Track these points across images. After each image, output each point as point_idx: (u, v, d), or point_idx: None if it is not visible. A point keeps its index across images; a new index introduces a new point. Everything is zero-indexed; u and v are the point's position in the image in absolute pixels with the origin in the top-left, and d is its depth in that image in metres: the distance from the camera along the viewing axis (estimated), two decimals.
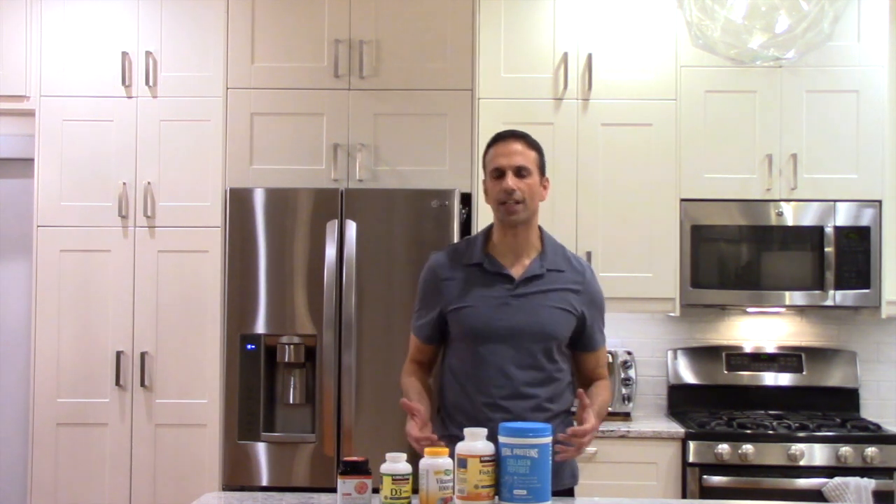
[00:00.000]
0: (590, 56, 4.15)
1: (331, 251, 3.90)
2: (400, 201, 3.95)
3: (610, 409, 4.11)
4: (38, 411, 4.01)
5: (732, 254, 4.22)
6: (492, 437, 2.30)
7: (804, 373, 4.35)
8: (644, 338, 4.45)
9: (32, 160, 4.07)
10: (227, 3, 4.08)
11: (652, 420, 4.19)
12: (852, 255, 4.09)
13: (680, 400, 4.37)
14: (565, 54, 4.16)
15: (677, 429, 3.92)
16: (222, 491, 3.82)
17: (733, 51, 3.07)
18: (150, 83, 4.06)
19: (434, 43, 4.08)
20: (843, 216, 4.11)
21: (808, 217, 4.14)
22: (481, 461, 2.24)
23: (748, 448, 3.79)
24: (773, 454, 3.80)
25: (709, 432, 3.87)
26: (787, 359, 4.37)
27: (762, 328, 4.46)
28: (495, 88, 4.15)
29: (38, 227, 4.04)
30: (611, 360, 4.18)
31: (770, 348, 4.41)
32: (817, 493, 3.72)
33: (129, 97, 4.06)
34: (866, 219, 4.11)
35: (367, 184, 4.01)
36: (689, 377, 4.38)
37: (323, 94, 4.07)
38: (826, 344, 4.43)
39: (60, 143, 4.05)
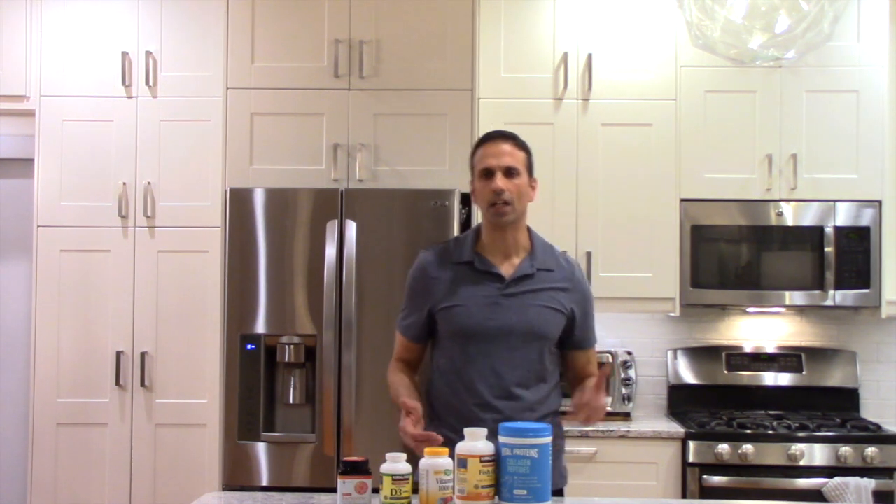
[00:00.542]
0: (590, 56, 4.15)
1: (331, 251, 3.90)
2: (400, 201, 3.95)
3: (610, 409, 4.13)
4: (38, 411, 4.01)
5: (732, 254, 4.22)
6: (490, 436, 2.30)
7: (804, 373, 4.35)
8: (644, 338, 4.45)
9: (32, 160, 4.07)
10: (227, 3, 4.08)
11: (652, 420, 4.19)
12: (852, 255, 4.09)
13: (680, 400, 4.37)
14: (565, 54, 4.16)
15: (677, 429, 3.92)
16: (222, 491, 3.82)
17: (733, 51, 3.07)
18: (150, 83, 4.06)
19: (434, 43, 4.08)
20: (843, 216, 4.11)
21: (808, 217, 4.14)
22: (481, 461, 2.24)
23: (748, 448, 3.79)
24: (773, 454, 3.80)
25: (709, 432, 3.87)
26: (786, 359, 4.37)
27: (762, 328, 4.46)
28: (495, 88, 4.15)
29: (38, 227, 4.04)
30: (611, 360, 4.19)
31: (770, 348, 4.41)
32: (817, 493, 3.72)
33: (129, 97, 4.06)
34: (866, 219, 4.11)
35: (367, 184, 4.01)
36: (689, 377, 4.38)
37: (323, 94, 4.07)
38: (826, 344, 4.43)
39: (60, 143, 4.05)
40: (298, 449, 3.91)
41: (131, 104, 4.06)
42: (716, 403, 4.32)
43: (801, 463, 3.78)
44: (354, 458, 2.29)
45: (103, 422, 4.00)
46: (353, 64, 4.06)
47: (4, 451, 4.46)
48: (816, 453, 3.79)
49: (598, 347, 4.14)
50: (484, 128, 4.09)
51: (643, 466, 3.86)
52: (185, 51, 4.06)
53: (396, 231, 3.93)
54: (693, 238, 4.14)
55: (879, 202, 4.11)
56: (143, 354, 4.00)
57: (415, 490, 2.27)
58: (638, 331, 4.44)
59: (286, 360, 3.92)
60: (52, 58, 4.07)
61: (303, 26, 4.09)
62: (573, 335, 2.69)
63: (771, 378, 4.37)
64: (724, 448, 3.80)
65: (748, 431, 3.87)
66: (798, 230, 4.15)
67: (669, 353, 4.42)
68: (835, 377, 4.35)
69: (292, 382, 3.94)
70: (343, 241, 3.90)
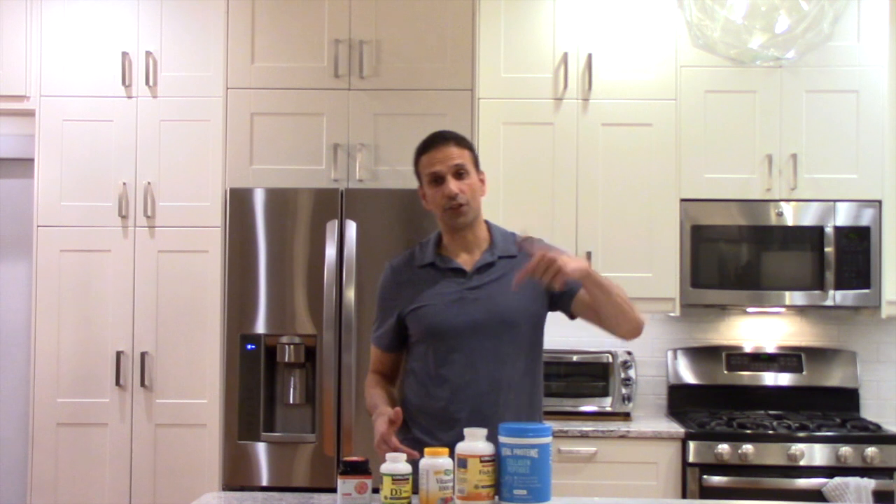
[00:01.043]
0: (590, 56, 4.15)
1: (331, 251, 3.90)
2: (400, 201, 3.94)
3: (609, 408, 4.14)
4: (38, 411, 4.01)
5: (732, 254, 4.23)
6: (462, 437, 2.29)
7: (804, 373, 4.35)
8: (644, 338, 4.36)
9: (32, 160, 4.07)
10: (227, 3, 4.08)
11: (652, 420, 4.19)
12: (852, 255, 4.09)
13: (680, 400, 4.37)
14: (565, 54, 4.16)
15: (677, 429, 3.92)
16: (222, 491, 3.82)
17: (733, 51, 3.08)
18: (150, 83, 4.06)
19: (434, 43, 4.08)
20: (843, 216, 4.11)
21: (808, 217, 4.14)
22: (481, 461, 2.23)
23: (748, 448, 3.79)
24: (773, 454, 3.80)
25: (709, 432, 3.87)
26: (787, 359, 4.37)
27: (762, 328, 4.46)
28: (495, 88, 4.15)
29: (38, 227, 4.04)
30: (611, 360, 4.19)
31: (770, 348, 4.41)
32: (817, 493, 3.72)
33: (129, 97, 4.06)
34: (866, 219, 4.11)
35: (367, 184, 4.01)
36: (689, 377, 4.38)
37: (323, 94, 4.07)
38: (826, 344, 4.43)
39: (60, 143, 4.05)
40: (298, 449, 3.91)
41: (131, 104, 4.06)
42: (716, 403, 4.32)
43: (801, 463, 3.78)
44: (354, 458, 2.29)
45: (103, 422, 4.00)
46: (353, 64, 4.06)
47: (4, 451, 4.46)
48: (816, 453, 3.79)
49: (597, 348, 4.23)
50: (484, 128, 4.11)
51: (643, 466, 3.86)
52: (185, 51, 4.06)
53: (396, 231, 3.93)
54: (693, 238, 4.14)
55: (879, 202, 4.11)
56: (143, 354, 4.00)
57: (415, 490, 2.27)
58: None
59: (286, 360, 3.92)
60: (52, 58, 4.07)
61: (303, 26, 4.09)
62: (563, 293, 2.58)
63: (771, 378, 4.37)
64: (724, 448, 3.80)
65: (748, 431, 3.87)
66: (798, 230, 4.15)
67: (669, 353, 4.42)
68: (835, 377, 4.35)
69: (292, 382, 3.94)
70: (343, 241, 3.90)
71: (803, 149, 4.14)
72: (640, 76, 4.17)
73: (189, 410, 3.98)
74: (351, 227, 3.90)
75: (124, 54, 4.06)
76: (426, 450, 2.27)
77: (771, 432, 3.85)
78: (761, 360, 4.38)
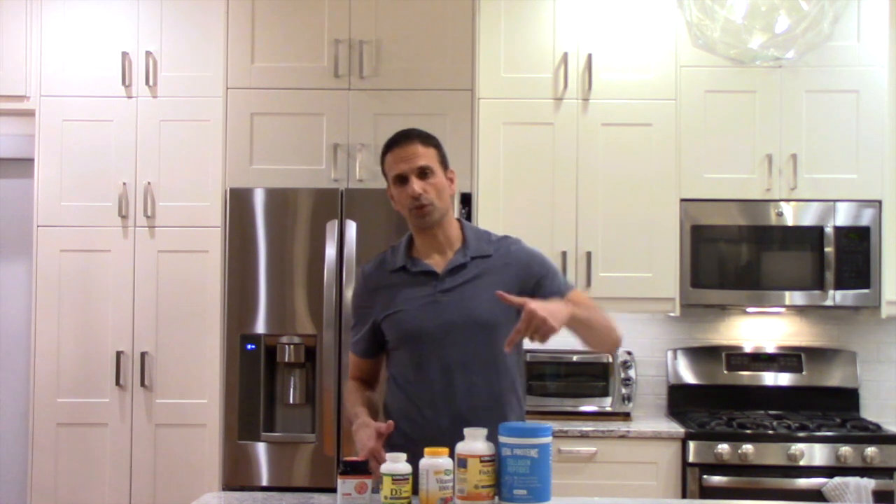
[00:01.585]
0: (590, 56, 4.15)
1: (331, 251, 3.90)
2: None
3: (609, 409, 4.14)
4: (38, 411, 4.01)
5: (732, 254, 4.22)
6: (447, 441, 2.27)
7: (804, 373, 4.35)
8: (644, 338, 4.45)
9: (32, 160, 4.07)
10: (227, 3, 4.08)
11: (652, 420, 4.19)
12: (852, 255, 4.09)
13: (680, 400, 4.37)
14: (565, 54, 4.16)
15: (677, 429, 3.92)
16: (222, 491, 3.82)
17: (733, 51, 3.08)
18: (150, 83, 4.06)
19: (434, 43, 4.08)
20: (843, 216, 4.11)
21: (807, 217, 4.14)
22: (481, 461, 2.23)
23: (748, 448, 3.79)
24: (773, 454, 3.80)
25: (709, 432, 3.87)
26: (786, 359, 4.37)
27: (762, 328, 4.46)
28: (495, 88, 4.15)
29: (38, 227, 4.04)
30: (611, 360, 4.19)
31: (770, 348, 4.41)
32: (817, 493, 3.72)
33: (129, 97, 4.06)
34: (866, 219, 4.11)
35: (367, 184, 4.01)
36: (689, 377, 4.38)
37: (323, 94, 4.07)
38: (826, 344, 4.43)
39: (60, 143, 4.05)
40: (298, 449, 3.92)
41: (131, 104, 4.06)
42: (716, 403, 4.32)
43: (801, 463, 3.78)
44: (354, 458, 2.29)
45: (103, 422, 4.00)
46: (353, 64, 4.06)
47: (4, 451, 4.46)
48: (816, 453, 3.79)
49: None
50: (484, 128, 4.11)
51: (643, 466, 3.86)
52: (185, 51, 4.06)
53: (396, 231, 3.92)
54: (693, 238, 4.14)
55: (879, 202, 4.11)
56: (143, 354, 4.00)
57: (415, 490, 2.27)
58: (638, 331, 4.43)
59: (286, 360, 3.92)
60: (52, 58, 4.07)
61: (303, 26, 4.09)
62: (544, 296, 2.50)
63: (771, 378, 4.37)
64: (724, 448, 3.80)
65: (748, 431, 3.87)
66: (798, 230, 4.15)
67: (669, 353, 4.42)
68: (835, 377, 4.35)
69: (292, 382, 3.94)
70: (343, 241, 3.90)
71: (803, 149, 4.14)
72: (639, 76, 4.17)
73: (189, 410, 3.98)
74: (351, 227, 3.90)
75: (124, 54, 4.06)
76: (426, 450, 2.27)
77: (771, 432, 3.85)
78: (761, 360, 4.38)
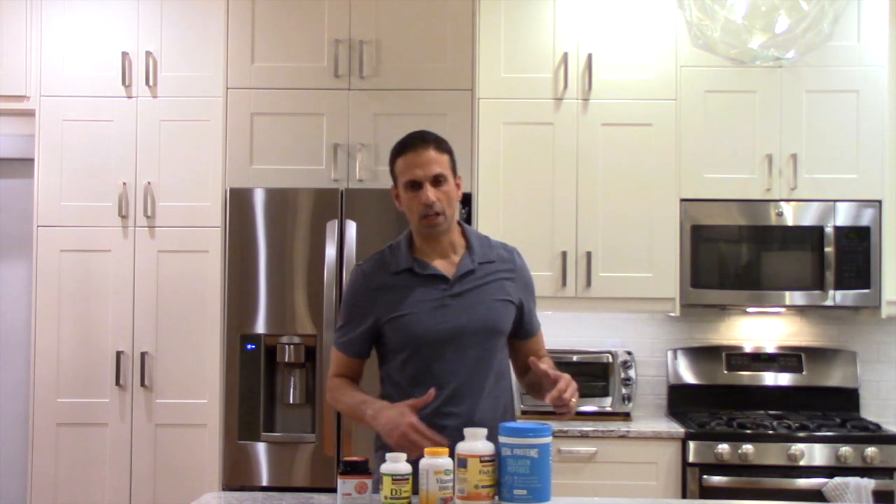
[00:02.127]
0: (590, 56, 4.15)
1: (331, 251, 3.90)
2: None
3: (609, 409, 4.14)
4: (38, 411, 4.01)
5: (732, 254, 4.22)
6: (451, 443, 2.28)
7: (804, 373, 4.35)
8: (644, 338, 4.45)
9: (32, 160, 4.07)
10: (227, 3, 4.08)
11: (652, 420, 4.19)
12: (852, 255, 4.09)
13: (680, 400, 4.37)
14: (565, 54, 4.16)
15: (677, 429, 3.92)
16: (222, 491, 3.82)
17: (733, 51, 3.07)
18: (150, 83, 4.06)
19: (434, 43, 4.08)
20: (843, 216, 4.11)
21: (808, 217, 4.14)
22: (481, 461, 2.23)
23: (748, 448, 3.79)
24: (773, 454, 3.80)
25: (709, 432, 3.87)
26: (787, 359, 4.37)
27: (762, 328, 4.46)
28: (495, 88, 4.15)
29: (38, 227, 4.05)
30: (611, 360, 4.19)
31: (770, 348, 4.41)
32: (817, 493, 3.72)
33: (129, 97, 4.07)
34: (866, 219, 4.11)
35: (367, 184, 4.01)
36: (689, 377, 4.38)
37: (323, 94, 4.07)
38: (826, 344, 4.43)
39: (60, 143, 4.05)
40: (298, 449, 3.92)
41: (131, 104, 4.07)
42: (716, 403, 4.32)
43: (801, 463, 3.78)
44: (354, 458, 2.29)
45: (103, 422, 4.00)
46: (353, 64, 4.06)
47: (4, 451, 4.46)
48: (816, 453, 3.79)
49: (597, 347, 4.23)
50: (484, 128, 4.11)
51: (643, 466, 3.86)
52: (185, 51, 4.06)
53: (396, 231, 3.88)
54: (693, 238, 4.14)
55: (879, 202, 4.11)
56: (143, 354, 4.00)
57: (415, 490, 2.27)
58: (638, 331, 4.44)
59: (286, 360, 3.92)
60: (52, 58, 4.07)
61: (303, 26, 4.09)
62: (522, 324, 2.62)
63: (771, 378, 4.36)
64: (724, 448, 3.80)
65: (748, 431, 3.87)
66: (798, 230, 4.15)
67: (669, 353, 4.42)
68: (835, 377, 4.35)
69: (292, 382, 3.94)
70: (343, 241, 3.90)
71: (803, 149, 4.14)
72: (639, 76, 4.17)
73: (189, 410, 3.99)
74: (351, 227, 3.90)
75: (124, 54, 4.06)
76: (426, 450, 2.27)
77: (771, 432, 3.85)
78: (761, 360, 4.38)
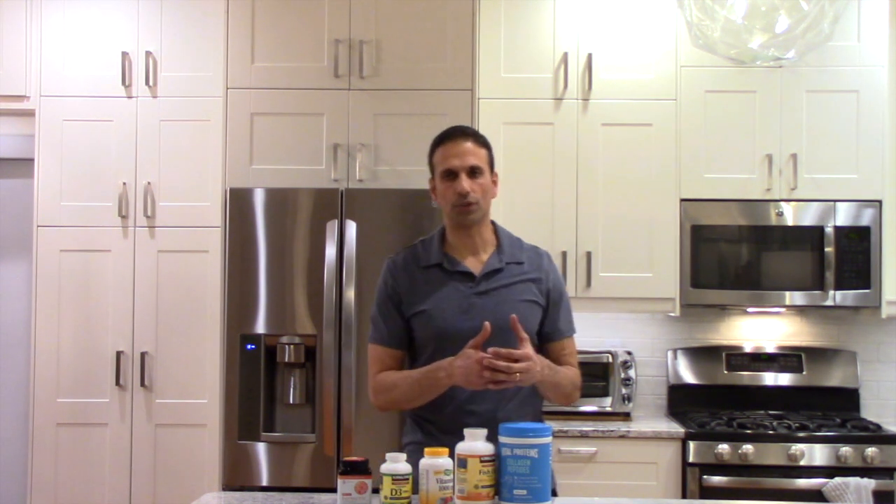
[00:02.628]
0: (590, 56, 4.15)
1: (331, 251, 3.90)
2: (400, 201, 3.95)
3: (609, 408, 4.14)
4: (38, 411, 4.01)
5: (732, 254, 4.22)
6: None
7: (804, 373, 4.35)
8: (644, 338, 4.45)
9: (32, 160, 4.07)
10: (227, 3, 4.08)
11: (652, 420, 4.19)
12: (852, 255, 4.09)
13: (680, 400, 4.37)
14: (565, 54, 4.16)
15: (677, 429, 3.92)
16: (222, 491, 3.82)
17: (733, 51, 3.07)
18: (150, 83, 4.06)
19: (434, 43, 4.08)
20: (843, 216, 4.11)
21: (808, 217, 4.14)
22: (481, 461, 2.23)
23: (748, 448, 3.79)
24: (773, 454, 3.80)
25: (709, 432, 3.87)
26: (787, 359, 4.37)
27: (762, 328, 4.46)
28: (495, 88, 4.15)
29: (38, 227, 4.04)
30: (611, 360, 4.19)
31: (770, 348, 4.41)
32: (817, 493, 3.72)
33: (129, 97, 4.07)
34: (866, 219, 4.11)
35: (367, 184, 4.01)
36: (689, 377, 4.38)
37: (323, 94, 4.07)
38: (826, 344, 4.43)
39: (60, 143, 4.05)
40: (298, 449, 3.91)
41: (131, 104, 4.07)
42: (716, 403, 4.32)
43: (802, 463, 3.78)
44: (354, 458, 2.29)
45: (103, 422, 4.00)
46: (353, 64, 4.06)
47: (4, 451, 4.46)
48: (816, 453, 3.79)
49: (597, 347, 4.22)
50: (484, 128, 4.10)
51: (643, 466, 3.86)
52: (185, 51, 4.06)
53: (396, 231, 3.93)
54: (693, 238, 4.14)
55: (879, 202, 4.11)
56: (143, 354, 4.00)
57: (415, 490, 2.27)
58: (638, 331, 4.44)
59: (286, 360, 3.92)
60: (52, 58, 4.07)
61: (303, 26, 4.09)
62: (545, 326, 2.62)
63: (771, 378, 4.37)
64: (724, 448, 3.80)
65: (748, 431, 3.87)
66: (798, 230, 4.15)
67: (669, 353, 4.42)
68: (835, 377, 4.35)
69: (292, 382, 3.94)
70: (343, 241, 3.90)
71: (803, 149, 4.14)
72: (640, 76, 4.17)
73: (189, 410, 3.98)
74: (351, 227, 3.90)
75: (124, 54, 4.06)
76: (426, 450, 2.27)
77: (771, 432, 3.85)
78: (761, 360, 4.38)
